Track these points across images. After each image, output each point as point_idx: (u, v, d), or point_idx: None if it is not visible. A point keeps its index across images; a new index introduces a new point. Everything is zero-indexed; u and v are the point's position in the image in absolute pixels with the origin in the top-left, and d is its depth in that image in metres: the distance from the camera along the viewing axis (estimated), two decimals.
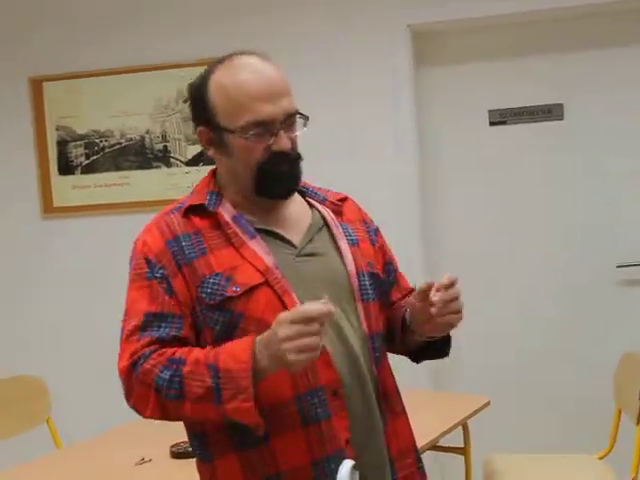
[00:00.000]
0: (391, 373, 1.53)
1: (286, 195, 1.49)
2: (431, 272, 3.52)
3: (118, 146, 3.68)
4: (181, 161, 3.63)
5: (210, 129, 1.44)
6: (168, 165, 3.64)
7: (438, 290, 1.37)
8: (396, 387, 1.54)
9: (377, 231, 1.65)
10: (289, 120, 1.44)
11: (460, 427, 2.74)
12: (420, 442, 2.44)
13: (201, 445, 1.43)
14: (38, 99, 3.72)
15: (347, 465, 1.27)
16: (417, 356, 1.57)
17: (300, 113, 1.48)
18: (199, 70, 3.29)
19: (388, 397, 1.49)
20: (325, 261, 1.47)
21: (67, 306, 3.68)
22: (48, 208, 3.76)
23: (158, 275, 1.40)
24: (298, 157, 1.48)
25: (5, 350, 3.72)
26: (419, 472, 1.53)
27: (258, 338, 1.29)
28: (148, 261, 1.41)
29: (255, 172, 1.43)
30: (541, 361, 3.48)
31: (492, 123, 3.49)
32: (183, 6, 3.60)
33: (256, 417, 1.25)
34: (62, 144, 3.73)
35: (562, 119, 3.43)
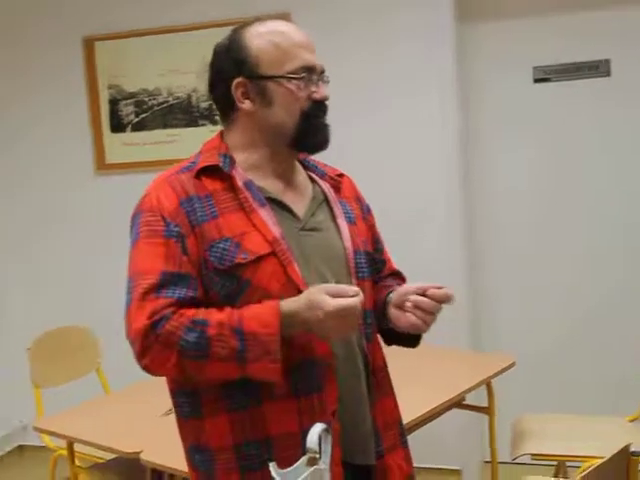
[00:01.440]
0: (380, 349, 1.58)
1: (324, 146, 1.51)
2: (472, 238, 3.53)
3: (166, 104, 3.77)
4: None
5: (250, 80, 1.46)
6: (214, 123, 3.72)
7: (427, 294, 1.43)
8: (385, 364, 1.59)
9: (369, 209, 1.69)
10: (323, 74, 1.50)
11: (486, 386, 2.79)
12: (443, 398, 2.54)
13: (191, 403, 1.47)
14: (90, 58, 3.84)
15: (317, 428, 1.32)
16: (387, 338, 1.61)
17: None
18: None
19: (377, 373, 1.54)
20: (325, 237, 1.52)
21: (116, 259, 3.82)
22: (101, 165, 3.90)
23: (174, 233, 1.41)
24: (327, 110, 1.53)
25: (58, 302, 3.93)
26: (402, 445, 1.59)
27: (285, 306, 1.35)
28: (163, 218, 1.42)
29: (299, 120, 1.47)
30: (589, 325, 3.48)
31: (536, 80, 3.43)
32: None
33: (279, 377, 1.33)
34: (113, 102, 3.85)
35: (609, 75, 3.34)
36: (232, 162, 1.49)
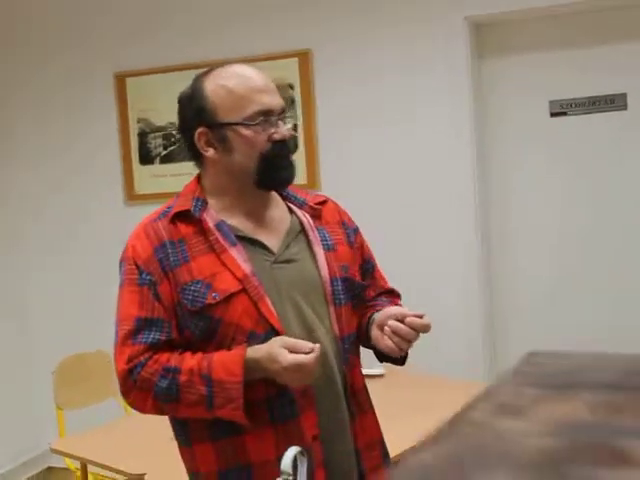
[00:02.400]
0: (360, 372, 1.64)
1: (286, 183, 1.60)
2: (490, 265, 3.56)
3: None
4: None
5: (210, 129, 1.54)
6: None
7: (406, 321, 1.49)
8: (364, 385, 1.65)
9: (356, 231, 1.74)
10: (283, 113, 1.57)
11: None
12: None
13: (183, 431, 1.59)
14: (122, 93, 4.00)
15: (291, 452, 1.39)
16: (377, 356, 1.67)
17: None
18: (270, 64, 3.43)
19: (356, 394, 1.60)
20: (300, 267, 1.58)
21: None
22: (130, 195, 4.04)
23: (147, 281, 1.52)
24: (295, 147, 1.60)
25: (82, 327, 4.06)
26: (385, 464, 1.64)
27: (250, 354, 1.44)
28: (137, 267, 1.54)
29: (258, 162, 1.54)
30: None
31: (553, 114, 3.46)
32: (250, 3, 3.76)
33: (244, 420, 1.43)
34: (142, 135, 3.99)
35: (625, 109, 3.36)
36: (204, 205, 1.57)
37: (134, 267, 1.55)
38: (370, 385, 1.64)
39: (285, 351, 1.41)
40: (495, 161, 3.56)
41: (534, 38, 3.47)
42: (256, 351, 1.44)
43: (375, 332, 1.55)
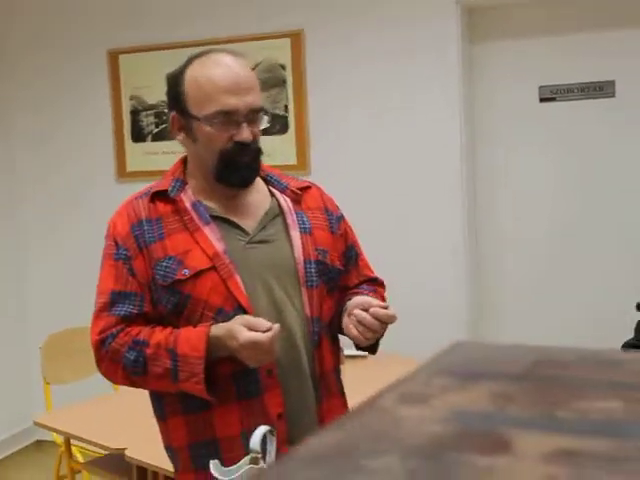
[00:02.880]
0: (331, 354, 1.67)
1: (243, 185, 1.63)
2: (477, 254, 3.58)
3: None
4: None
5: (181, 116, 1.59)
6: None
7: (370, 311, 1.52)
8: (336, 368, 1.68)
9: (340, 219, 1.76)
10: (253, 114, 1.58)
11: None
12: None
13: (159, 406, 1.64)
14: (114, 71, 4.00)
15: (260, 430, 1.43)
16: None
17: (264, 109, 1.63)
18: (262, 44, 3.40)
19: (325, 377, 1.63)
20: (274, 248, 1.61)
21: None
22: (122, 172, 4.06)
23: (122, 256, 1.58)
24: (258, 150, 1.62)
25: (74, 301, 4.09)
26: None
27: (213, 331, 1.49)
28: (115, 242, 1.59)
29: (217, 160, 1.57)
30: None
31: (542, 99, 3.48)
32: None
33: (206, 395, 1.48)
34: (135, 113, 4.01)
35: (613, 96, 3.37)
36: (183, 186, 1.62)
37: (112, 243, 1.61)
38: (352, 365, 1.66)
39: (244, 329, 1.44)
40: (485, 146, 3.58)
41: (525, 24, 3.48)
42: (219, 329, 1.49)
43: (345, 320, 1.58)
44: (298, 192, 1.71)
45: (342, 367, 1.75)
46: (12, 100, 4.18)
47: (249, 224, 1.62)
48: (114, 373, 1.58)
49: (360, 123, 3.64)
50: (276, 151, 3.66)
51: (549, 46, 3.43)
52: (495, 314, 3.61)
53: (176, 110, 1.60)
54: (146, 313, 1.58)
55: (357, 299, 1.59)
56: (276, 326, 1.44)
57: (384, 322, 1.52)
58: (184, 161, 1.68)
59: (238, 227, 1.61)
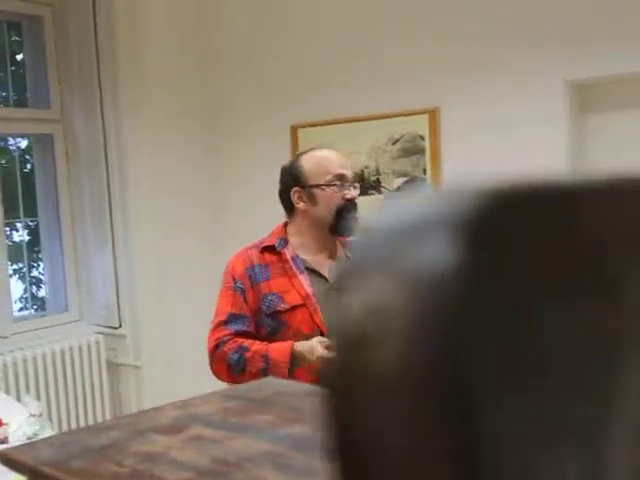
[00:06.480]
0: None
1: (351, 232, 2.27)
2: None
3: None
4: (388, 190, 4.65)
5: (302, 189, 2.29)
6: (379, 192, 4.68)
7: None
8: None
9: None
10: (353, 183, 2.33)
11: None
12: None
13: None
14: (295, 142, 5.01)
15: None
16: None
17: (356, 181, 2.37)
18: (406, 119, 4.35)
19: None
20: None
21: None
22: None
23: (239, 289, 2.25)
24: (357, 207, 2.31)
25: None
26: None
27: (297, 346, 2.18)
28: (233, 278, 2.30)
29: (334, 214, 2.27)
30: None
31: None
32: (391, 64, 4.58)
33: None
34: None
35: None
36: (286, 243, 2.33)
37: (231, 278, 2.31)
38: None
39: (320, 346, 2.06)
40: None
41: (631, 97, 3.91)
42: (302, 345, 2.11)
43: None
44: None
45: None
46: (222, 175, 5.30)
47: (331, 275, 2.28)
48: (221, 371, 2.20)
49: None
50: None
51: None
52: None
53: (297, 186, 2.30)
54: (250, 332, 2.23)
55: None
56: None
57: None
58: (285, 225, 2.39)
59: (323, 277, 2.29)
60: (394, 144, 4.59)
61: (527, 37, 4.03)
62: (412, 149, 4.52)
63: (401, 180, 4.56)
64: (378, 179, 4.69)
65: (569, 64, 3.92)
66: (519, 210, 0.38)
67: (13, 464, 0.84)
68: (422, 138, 4.49)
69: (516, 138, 4.15)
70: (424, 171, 4.51)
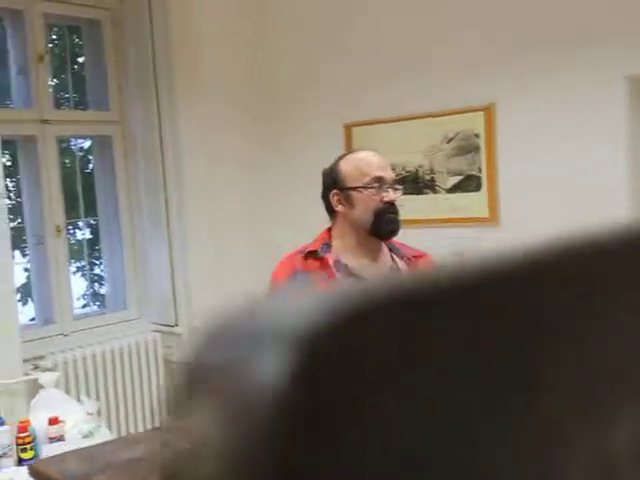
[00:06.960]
0: None
1: (391, 234, 2.31)
2: None
3: (400, 176, 4.77)
4: (443, 189, 4.60)
5: (340, 191, 2.31)
6: (434, 192, 4.64)
7: None
8: None
9: None
10: (393, 185, 2.35)
11: None
12: None
13: None
14: (349, 141, 5.00)
15: None
16: None
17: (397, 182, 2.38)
18: (461, 116, 4.38)
19: None
20: None
21: None
22: None
23: None
24: (397, 210, 2.32)
25: None
26: None
27: None
28: (277, 284, 2.34)
29: (372, 217, 2.26)
30: None
31: None
32: (449, 64, 4.53)
33: None
34: None
35: None
36: (328, 248, 2.35)
37: (275, 284, 2.37)
38: None
39: None
40: None
41: None
42: None
43: None
44: (412, 259, 2.41)
45: None
46: (278, 176, 5.33)
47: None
48: None
49: (546, 182, 4.21)
50: (471, 206, 4.38)
51: None
52: None
53: (336, 189, 2.32)
54: None
55: None
56: None
57: None
58: (329, 230, 2.41)
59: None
60: (448, 142, 4.54)
61: (585, 35, 3.94)
62: (467, 147, 4.46)
63: (457, 179, 4.51)
64: (433, 178, 4.65)
65: (628, 61, 3.82)
66: (375, 323, 0.31)
67: (41, 477, 0.87)
68: (477, 136, 4.43)
69: (574, 135, 4.06)
70: (479, 169, 4.45)
